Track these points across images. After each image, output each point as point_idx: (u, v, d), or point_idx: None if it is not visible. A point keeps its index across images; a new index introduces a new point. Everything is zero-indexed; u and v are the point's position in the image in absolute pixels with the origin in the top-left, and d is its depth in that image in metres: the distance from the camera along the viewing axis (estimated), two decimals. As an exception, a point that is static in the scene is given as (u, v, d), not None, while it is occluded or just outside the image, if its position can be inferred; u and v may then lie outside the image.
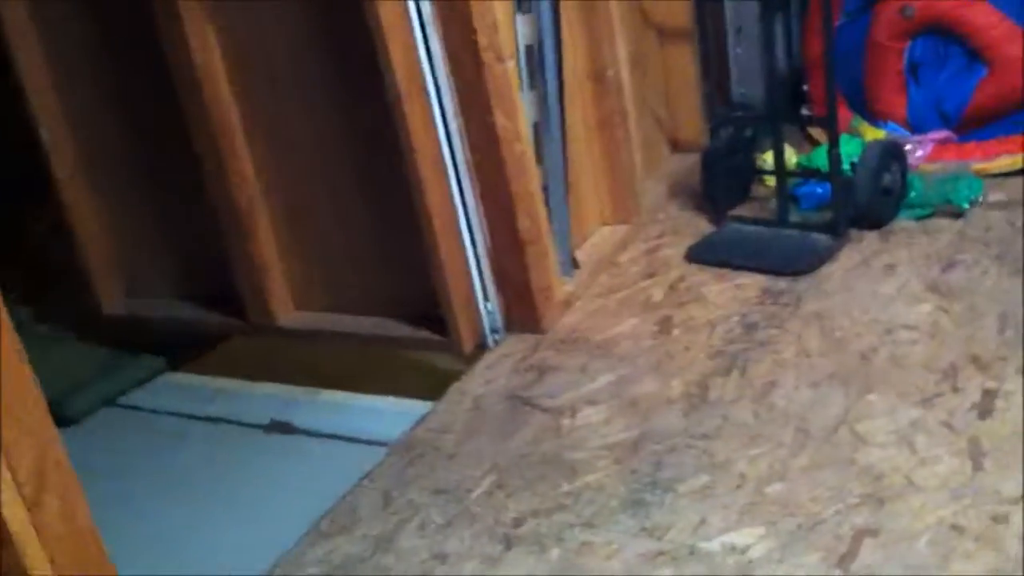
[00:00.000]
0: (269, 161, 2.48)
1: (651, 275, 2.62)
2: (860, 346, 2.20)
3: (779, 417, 2.04)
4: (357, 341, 2.51)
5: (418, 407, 2.30)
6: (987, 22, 2.75)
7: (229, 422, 2.47)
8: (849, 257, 2.53)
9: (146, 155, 2.65)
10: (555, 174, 2.52)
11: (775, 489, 1.86)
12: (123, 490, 2.24)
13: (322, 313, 2.58)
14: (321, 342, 2.56)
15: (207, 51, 2.37)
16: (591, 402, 2.19)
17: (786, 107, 2.95)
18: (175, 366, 2.71)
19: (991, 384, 2.01)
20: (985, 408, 1.95)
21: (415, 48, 2.20)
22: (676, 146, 3.08)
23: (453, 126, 2.30)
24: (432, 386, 2.34)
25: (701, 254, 2.65)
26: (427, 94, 2.24)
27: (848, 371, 2.13)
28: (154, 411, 2.59)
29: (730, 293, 2.48)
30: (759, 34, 2.81)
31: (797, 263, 2.52)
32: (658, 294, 2.54)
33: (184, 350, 2.74)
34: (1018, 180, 2.70)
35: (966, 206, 2.61)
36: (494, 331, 2.44)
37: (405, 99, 2.20)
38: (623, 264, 2.69)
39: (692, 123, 3.07)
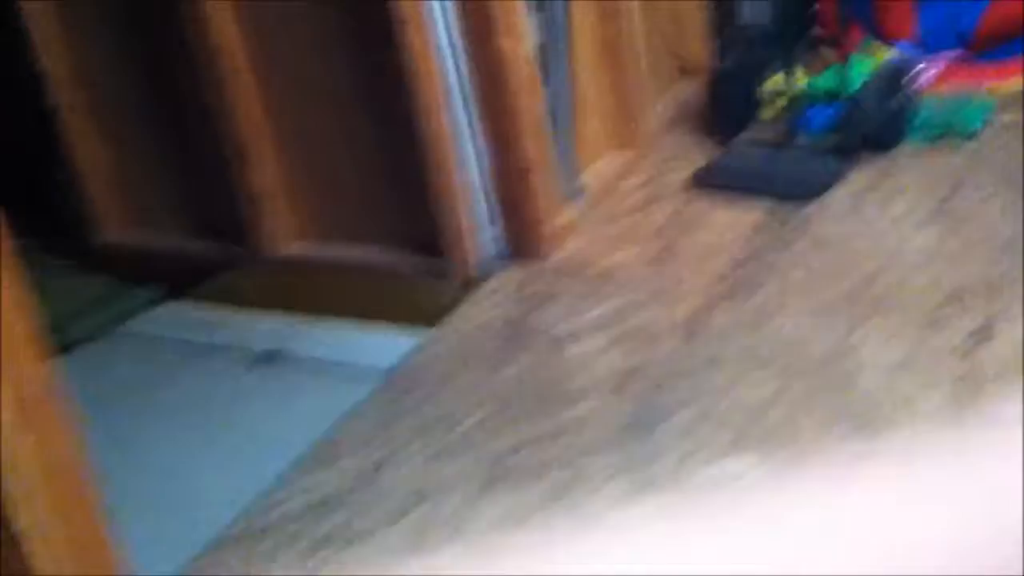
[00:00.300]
0: (270, 89, 2.44)
1: (655, 201, 2.58)
2: (865, 271, 2.16)
3: (781, 344, 2.01)
4: (357, 270, 2.49)
5: (416, 336, 2.28)
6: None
7: (225, 351, 2.45)
8: (857, 180, 2.48)
9: (147, 82, 2.62)
10: (561, 98, 2.48)
11: (772, 415, 1.84)
12: (119, 415, 2.23)
13: (322, 242, 2.55)
14: (321, 271, 2.54)
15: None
16: (591, 330, 2.17)
17: (796, 28, 2.87)
18: (175, 295, 2.70)
19: (994, 308, 1.97)
20: (987, 332, 1.92)
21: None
22: (683, 70, 3.02)
23: (458, 48, 2.25)
24: (431, 314, 2.31)
25: (707, 179, 2.60)
26: (431, 16, 2.19)
27: (852, 296, 2.09)
28: (152, 339, 2.58)
29: (736, 218, 2.44)
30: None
31: (804, 187, 2.48)
32: (662, 220, 2.50)
33: (184, 279, 2.72)
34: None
35: (977, 128, 2.55)
36: (496, 258, 2.41)
37: (408, 22, 2.16)
38: (627, 190, 2.65)
39: (700, 46, 3.00)
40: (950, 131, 2.56)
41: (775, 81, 2.74)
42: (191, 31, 2.39)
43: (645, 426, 1.87)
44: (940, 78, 2.71)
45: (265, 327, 2.48)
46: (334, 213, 2.52)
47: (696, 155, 2.72)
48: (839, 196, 2.44)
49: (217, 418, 2.23)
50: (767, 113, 2.75)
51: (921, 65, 2.70)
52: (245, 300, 2.58)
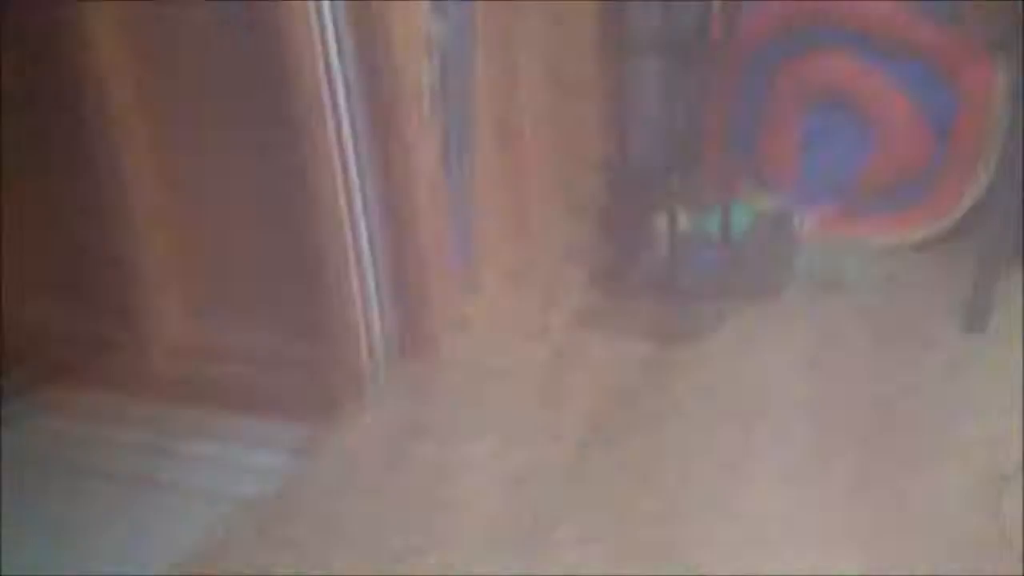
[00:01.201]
0: (166, 165, 2.40)
1: (536, 336, 2.57)
2: (739, 416, 2.17)
3: (655, 477, 1.99)
4: (243, 360, 2.43)
5: (301, 432, 2.22)
6: (883, 94, 2.80)
7: (93, 461, 2.31)
8: (736, 325, 2.52)
9: (33, 137, 2.49)
10: (462, 197, 2.49)
11: (654, 535, 1.81)
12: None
13: (209, 329, 2.49)
14: (207, 360, 2.46)
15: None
16: (477, 436, 2.13)
17: (683, 170, 2.97)
18: (50, 379, 2.54)
19: (867, 460, 2.00)
20: (858, 486, 1.93)
21: (323, 64, 2.16)
22: (575, 203, 3.07)
23: (359, 141, 2.26)
24: (318, 408, 2.26)
25: (593, 315, 2.62)
26: (335, 109, 2.20)
27: (727, 443, 2.09)
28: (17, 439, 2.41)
29: (615, 356, 2.44)
30: (660, 96, 2.85)
31: (685, 328, 2.51)
32: (543, 355, 2.48)
33: (60, 363, 2.56)
34: (905, 253, 2.76)
35: (853, 279, 2.65)
36: (388, 354, 2.37)
37: (310, 116, 2.17)
38: (520, 297, 2.64)
39: (592, 180, 3.06)
40: (827, 281, 2.65)
41: (661, 220, 2.80)
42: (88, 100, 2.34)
43: (529, 542, 1.83)
44: (820, 227, 2.80)
45: (142, 424, 2.37)
46: (223, 299, 2.48)
47: (581, 288, 2.73)
48: (719, 339, 2.48)
49: (84, 536, 2.08)
50: (653, 252, 2.80)
51: (802, 214, 2.80)
52: (125, 390, 2.47)
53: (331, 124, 2.20)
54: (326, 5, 2.14)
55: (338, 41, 2.18)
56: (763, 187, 2.94)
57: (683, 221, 2.76)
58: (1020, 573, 1.62)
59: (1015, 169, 2.41)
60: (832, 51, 2.84)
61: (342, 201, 2.26)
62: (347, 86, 2.21)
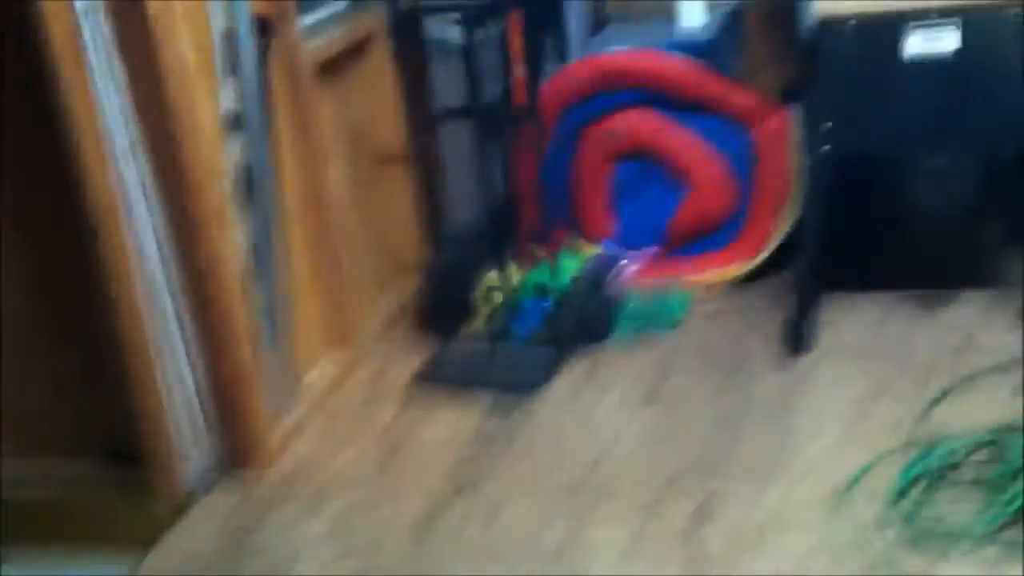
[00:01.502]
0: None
1: (378, 400, 2.56)
2: (587, 459, 2.20)
3: (512, 537, 2.00)
4: (56, 486, 2.32)
5: (123, 563, 2.10)
6: (686, 146, 2.89)
7: None
8: (572, 371, 2.56)
9: None
10: (275, 300, 2.44)
11: None
12: None
13: (16, 456, 2.37)
14: (16, 488, 2.35)
15: None
16: (315, 541, 2.08)
17: (505, 227, 2.99)
18: None
19: (711, 487, 2.05)
20: (707, 512, 1.98)
21: (117, 168, 2.09)
22: (399, 269, 3.07)
23: (164, 250, 2.19)
24: (141, 536, 2.15)
25: (427, 376, 2.62)
26: (133, 218, 2.13)
27: (577, 485, 2.12)
28: None
29: (458, 414, 2.45)
30: (474, 161, 2.86)
31: (522, 380, 2.53)
32: (386, 419, 2.48)
33: None
34: (727, 290, 2.84)
35: (678, 319, 2.70)
36: (211, 472, 2.30)
37: (107, 224, 2.09)
38: (350, 391, 2.62)
39: (413, 246, 3.06)
40: (654, 323, 2.70)
41: (489, 278, 2.82)
42: None
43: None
44: (642, 273, 2.86)
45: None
46: (30, 423, 2.37)
47: (415, 352, 2.73)
48: (557, 388, 2.50)
49: None
50: (483, 310, 2.81)
51: (623, 261, 2.85)
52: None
53: (133, 236, 2.14)
54: (121, 133, 2.10)
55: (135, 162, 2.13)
56: (583, 239, 2.99)
57: (510, 276, 2.78)
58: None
59: (816, 206, 2.51)
60: (632, 110, 2.92)
61: (149, 322, 2.18)
62: (146, 206, 2.16)
